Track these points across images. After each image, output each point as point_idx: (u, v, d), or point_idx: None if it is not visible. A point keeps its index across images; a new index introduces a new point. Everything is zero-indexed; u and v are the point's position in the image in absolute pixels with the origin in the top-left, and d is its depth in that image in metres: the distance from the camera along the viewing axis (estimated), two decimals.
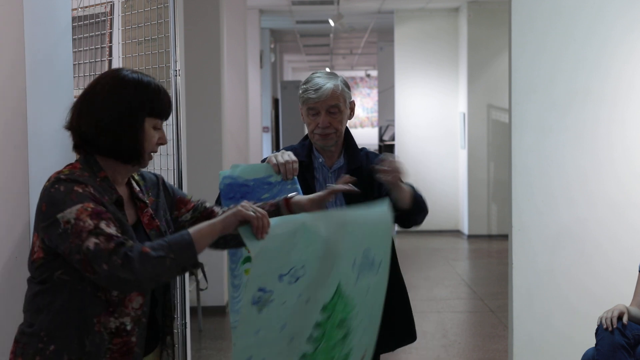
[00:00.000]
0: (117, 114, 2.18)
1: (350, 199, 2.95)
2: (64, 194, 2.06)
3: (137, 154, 2.21)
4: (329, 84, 2.96)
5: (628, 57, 4.15)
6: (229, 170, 2.88)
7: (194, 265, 2.07)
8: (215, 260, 6.49)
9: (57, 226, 2.03)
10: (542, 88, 4.14)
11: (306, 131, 3.15)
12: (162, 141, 2.27)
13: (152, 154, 2.27)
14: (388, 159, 2.76)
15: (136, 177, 2.36)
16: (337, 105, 2.97)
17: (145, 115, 2.20)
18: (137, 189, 2.33)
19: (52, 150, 2.95)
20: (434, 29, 11.68)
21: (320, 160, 3.04)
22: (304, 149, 3.05)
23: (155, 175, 2.46)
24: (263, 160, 3.01)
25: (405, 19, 11.84)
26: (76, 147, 2.23)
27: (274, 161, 2.84)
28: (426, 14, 11.72)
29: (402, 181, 2.78)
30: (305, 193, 2.88)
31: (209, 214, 2.46)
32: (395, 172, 2.74)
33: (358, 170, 3.01)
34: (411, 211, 2.86)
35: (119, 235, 2.03)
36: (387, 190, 2.83)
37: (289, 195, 2.49)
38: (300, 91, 3.02)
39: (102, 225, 2.02)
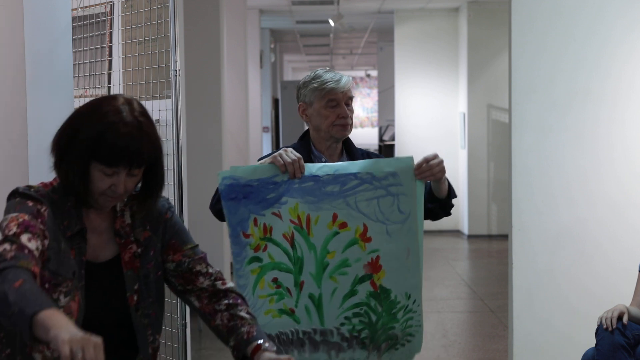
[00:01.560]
0: (64, 141, 2.03)
1: None
2: (13, 205, 2.01)
3: (80, 195, 2.03)
4: (346, 77, 3.04)
5: (628, 57, 4.15)
6: (229, 170, 2.83)
7: (29, 339, 1.75)
8: (217, 260, 6.49)
9: None
10: (542, 88, 4.14)
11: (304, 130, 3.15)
12: (114, 189, 2.01)
13: (110, 197, 2.04)
14: (433, 158, 2.84)
15: (135, 208, 2.16)
16: (352, 97, 3.05)
17: (89, 158, 1.99)
18: (127, 221, 2.14)
19: None
20: (434, 29, 11.68)
21: (324, 159, 3.04)
22: (304, 149, 3.05)
23: (167, 204, 2.23)
24: (261, 159, 3.01)
25: (405, 19, 11.84)
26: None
27: (280, 160, 2.81)
28: (426, 14, 11.72)
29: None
30: None
31: (192, 277, 2.20)
32: (441, 169, 2.85)
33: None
34: (446, 200, 2.98)
35: (29, 251, 1.89)
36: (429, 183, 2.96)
37: (262, 345, 2.11)
38: (315, 84, 3.00)
39: (23, 237, 1.90)
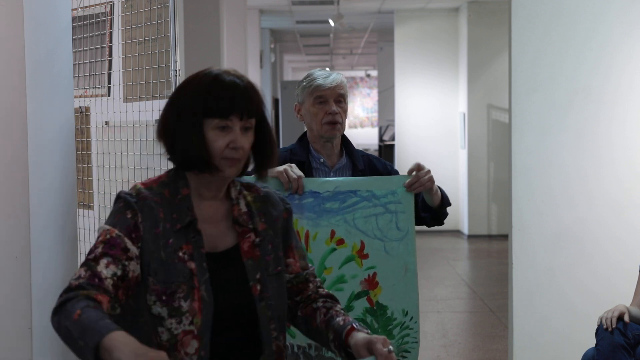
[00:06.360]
0: (172, 118, 2.01)
1: None
2: (115, 211, 2.00)
3: (202, 162, 1.99)
4: (335, 74, 3.05)
5: (628, 57, 4.15)
6: None
7: None
8: None
9: None
10: (542, 88, 4.14)
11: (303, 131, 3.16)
12: (233, 144, 1.99)
13: (230, 159, 2.00)
14: (419, 169, 2.92)
15: (249, 198, 2.12)
16: (343, 95, 3.04)
17: (202, 117, 1.98)
18: (244, 209, 2.10)
19: (52, 150, 2.95)
20: (434, 29, 11.68)
21: (322, 160, 3.05)
22: (302, 149, 3.07)
23: (286, 205, 2.18)
24: None
25: (405, 19, 11.84)
26: (169, 159, 2.07)
27: (286, 177, 2.85)
28: (426, 14, 11.72)
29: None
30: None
31: (305, 286, 2.19)
32: (430, 179, 2.92)
33: (363, 172, 3.06)
34: (439, 209, 3.04)
35: (100, 279, 1.88)
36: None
37: (356, 326, 2.04)
38: (305, 83, 3.04)
39: (102, 262, 1.90)
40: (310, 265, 2.23)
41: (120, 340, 1.71)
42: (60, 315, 1.81)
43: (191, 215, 2.02)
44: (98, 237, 1.97)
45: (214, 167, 2.00)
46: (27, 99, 2.77)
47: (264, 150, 2.10)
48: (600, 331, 3.52)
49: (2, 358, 2.68)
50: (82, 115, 4.09)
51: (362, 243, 2.89)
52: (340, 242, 2.88)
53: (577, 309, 4.15)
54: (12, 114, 2.73)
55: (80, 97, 4.08)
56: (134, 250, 1.95)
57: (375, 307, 2.90)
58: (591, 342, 3.61)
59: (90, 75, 4.05)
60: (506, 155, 4.35)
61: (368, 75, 25.70)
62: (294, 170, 2.87)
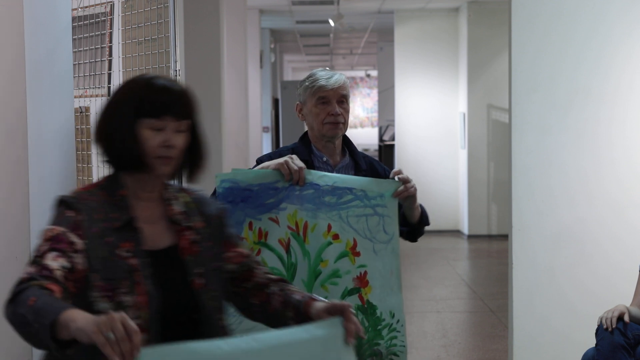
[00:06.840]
0: (108, 119, 2.08)
1: None
2: (57, 214, 2.04)
3: (137, 160, 2.05)
4: (338, 75, 3.06)
5: (628, 57, 4.15)
6: (229, 173, 2.86)
7: (55, 349, 1.75)
8: None
9: None
10: (542, 88, 4.14)
11: (304, 131, 3.17)
12: (166, 143, 2.05)
13: (163, 158, 2.06)
14: (399, 173, 2.96)
15: (185, 199, 2.20)
16: (346, 96, 3.05)
17: (136, 117, 2.04)
18: (178, 209, 2.17)
19: (52, 150, 2.95)
20: (434, 29, 11.68)
21: (325, 159, 3.06)
22: (305, 148, 3.07)
23: (220, 204, 2.30)
24: (260, 159, 3.03)
25: (405, 19, 11.83)
26: (106, 162, 2.13)
27: (287, 169, 2.85)
28: (426, 14, 11.71)
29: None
30: None
31: (251, 273, 2.23)
32: (413, 185, 2.96)
33: (364, 173, 3.06)
34: (417, 226, 3.10)
35: (49, 270, 1.90)
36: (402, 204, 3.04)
37: (315, 297, 2.10)
38: (307, 83, 3.05)
39: (49, 255, 1.92)
40: (253, 254, 2.30)
41: (76, 315, 1.73)
42: (15, 305, 1.83)
43: (129, 213, 2.07)
44: (41, 237, 1.99)
45: (148, 166, 2.06)
46: (27, 99, 2.77)
47: (197, 153, 2.18)
48: (600, 331, 3.52)
49: (2, 358, 2.68)
50: (82, 115, 4.09)
51: (354, 240, 2.92)
52: (336, 237, 2.90)
53: (577, 309, 4.15)
54: (12, 114, 2.73)
55: (80, 97, 4.08)
56: (79, 243, 1.98)
57: (366, 305, 2.93)
58: (591, 342, 3.61)
59: (90, 75, 4.06)
60: (506, 155, 4.35)
61: (368, 75, 25.70)
62: (295, 161, 2.87)
